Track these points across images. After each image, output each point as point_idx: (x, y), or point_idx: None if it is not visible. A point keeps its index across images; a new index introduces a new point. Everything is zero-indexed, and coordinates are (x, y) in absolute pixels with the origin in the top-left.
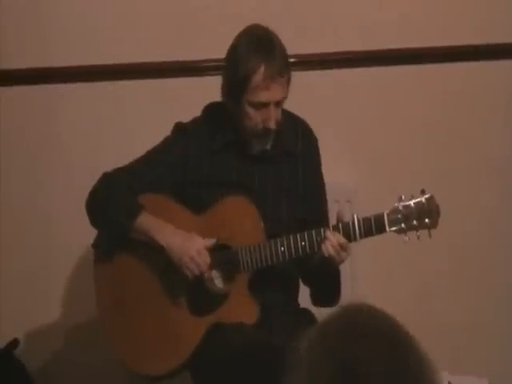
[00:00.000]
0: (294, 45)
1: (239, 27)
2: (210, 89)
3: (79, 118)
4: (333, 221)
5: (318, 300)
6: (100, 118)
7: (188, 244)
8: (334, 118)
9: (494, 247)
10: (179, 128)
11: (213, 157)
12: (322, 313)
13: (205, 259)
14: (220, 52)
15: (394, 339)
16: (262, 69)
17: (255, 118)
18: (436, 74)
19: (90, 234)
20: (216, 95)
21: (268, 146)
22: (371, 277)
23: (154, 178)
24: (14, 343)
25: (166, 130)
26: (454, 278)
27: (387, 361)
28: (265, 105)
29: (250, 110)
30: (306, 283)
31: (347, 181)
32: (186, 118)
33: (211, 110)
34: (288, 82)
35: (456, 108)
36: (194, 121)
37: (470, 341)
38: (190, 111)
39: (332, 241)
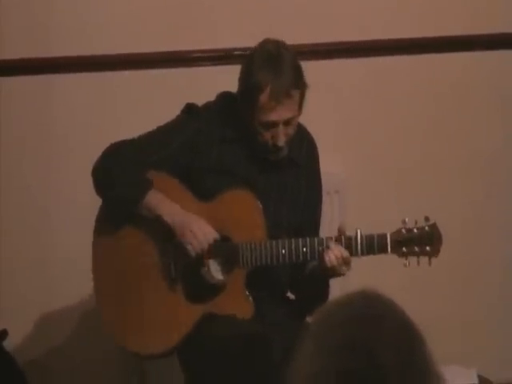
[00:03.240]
0: (285, 35)
1: (230, 17)
2: (201, 79)
3: (73, 108)
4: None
5: (303, 308)
6: (94, 108)
7: (191, 221)
8: (323, 108)
9: (486, 238)
10: (191, 110)
11: (222, 146)
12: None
13: (208, 237)
14: (211, 42)
15: (405, 324)
16: (268, 89)
17: (265, 135)
18: (427, 64)
19: (85, 229)
20: (207, 86)
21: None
22: (360, 267)
23: (162, 157)
24: (3, 334)
25: (156, 120)
26: (443, 269)
27: (399, 342)
28: (274, 124)
29: (260, 129)
30: (293, 291)
31: (336, 171)
32: (177, 109)
33: (226, 99)
34: (301, 98)
35: (447, 99)
36: (207, 106)
37: (459, 332)
38: (182, 102)
39: (335, 252)
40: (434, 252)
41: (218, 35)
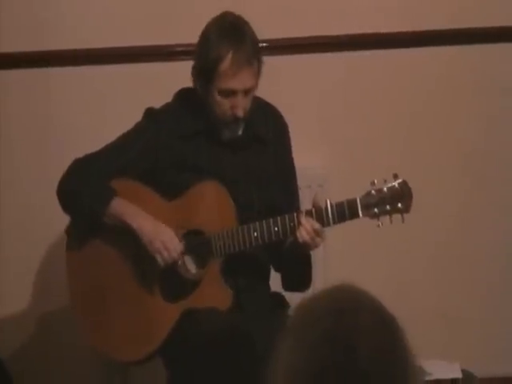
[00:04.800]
0: (264, 29)
1: (211, 10)
2: (182, 74)
3: (69, 101)
4: (307, 206)
5: (289, 285)
6: (87, 101)
7: (159, 230)
8: (306, 102)
9: (470, 233)
10: (150, 114)
11: (184, 143)
12: (293, 297)
13: (176, 246)
14: (193, 36)
15: (383, 316)
16: (230, 56)
17: (223, 105)
18: (408, 59)
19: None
20: (188, 80)
21: (239, 133)
22: (344, 261)
23: (125, 163)
24: None
25: (137, 115)
26: (428, 263)
27: (377, 335)
28: (233, 92)
29: (219, 98)
30: (277, 269)
31: (319, 165)
32: (159, 102)
33: (183, 96)
34: (258, 71)
35: (432, 93)
36: (166, 107)
37: (443, 326)
38: (163, 96)
39: (306, 227)
40: (406, 208)
41: (198, 29)
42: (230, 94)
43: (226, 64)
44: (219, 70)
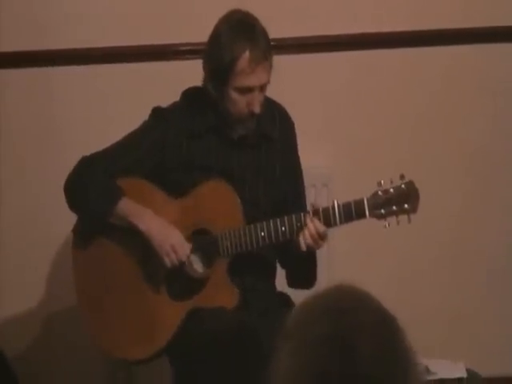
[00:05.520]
0: (270, 29)
1: (216, 10)
2: (187, 73)
3: (71, 100)
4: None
5: (294, 282)
6: (90, 101)
7: (168, 233)
8: (310, 101)
9: (473, 233)
10: (157, 113)
11: (192, 142)
12: (297, 298)
13: (185, 249)
14: (198, 36)
15: (382, 316)
16: (247, 53)
17: (240, 103)
18: (415, 58)
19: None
20: (194, 79)
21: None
22: (348, 261)
23: (132, 162)
24: None
25: (140, 115)
26: (432, 263)
27: (377, 334)
28: (250, 89)
29: (235, 96)
30: (282, 265)
31: (324, 165)
32: (163, 102)
33: (190, 95)
34: (271, 65)
35: (436, 93)
36: (173, 106)
37: (447, 325)
38: (167, 95)
39: (311, 229)
40: (413, 209)
41: (203, 28)
42: (247, 91)
43: (243, 62)
44: (236, 69)
